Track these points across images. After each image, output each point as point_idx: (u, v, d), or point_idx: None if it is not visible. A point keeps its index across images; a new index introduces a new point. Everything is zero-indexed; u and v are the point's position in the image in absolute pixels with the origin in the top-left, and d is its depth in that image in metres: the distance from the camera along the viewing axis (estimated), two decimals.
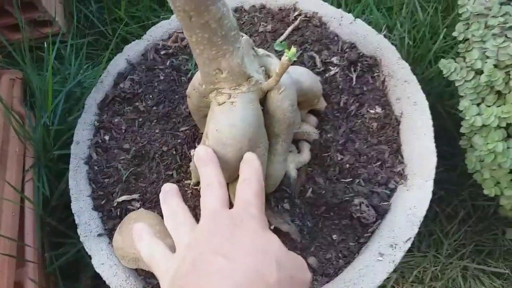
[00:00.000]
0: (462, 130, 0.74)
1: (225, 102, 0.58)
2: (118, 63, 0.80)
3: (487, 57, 0.70)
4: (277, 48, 0.74)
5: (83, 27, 1.18)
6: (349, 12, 1.11)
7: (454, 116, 0.97)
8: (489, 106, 0.70)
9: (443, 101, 1.01)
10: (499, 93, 0.70)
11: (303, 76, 0.67)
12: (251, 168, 0.50)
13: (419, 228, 0.95)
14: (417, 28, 1.08)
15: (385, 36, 1.04)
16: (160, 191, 0.69)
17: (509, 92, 0.68)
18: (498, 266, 0.90)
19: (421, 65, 1.05)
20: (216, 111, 0.58)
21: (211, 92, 0.59)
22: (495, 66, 0.69)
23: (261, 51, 0.62)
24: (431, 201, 0.96)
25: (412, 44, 1.06)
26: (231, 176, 0.60)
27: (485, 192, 0.73)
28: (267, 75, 0.61)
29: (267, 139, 0.63)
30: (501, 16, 0.73)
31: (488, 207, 0.94)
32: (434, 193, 0.95)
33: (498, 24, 0.71)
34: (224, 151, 0.57)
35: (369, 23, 1.09)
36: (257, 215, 0.43)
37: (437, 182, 0.96)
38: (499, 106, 0.68)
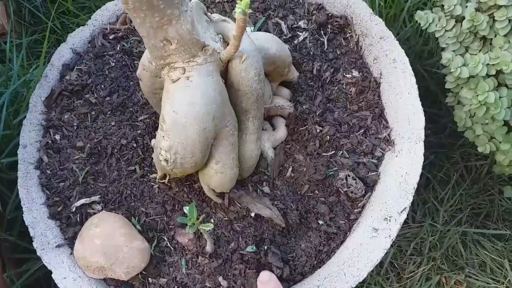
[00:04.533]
0: (447, 85, 0.68)
1: (179, 78, 0.50)
2: (63, 54, 0.72)
3: (468, 1, 0.64)
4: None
5: (30, 24, 1.08)
6: None
7: (436, 75, 0.91)
8: (474, 55, 0.63)
9: (422, 61, 0.95)
10: (484, 39, 0.64)
11: (268, 41, 0.59)
12: None
13: (414, 196, 0.90)
14: None
15: None
16: (123, 189, 0.62)
17: (495, 36, 0.62)
18: (498, 228, 0.85)
19: (395, 25, 0.98)
20: (171, 89, 0.51)
21: (163, 69, 0.51)
22: (477, 9, 0.63)
23: (216, 16, 0.55)
24: (423, 168, 0.91)
25: (383, 5, 0.99)
26: (197, 163, 0.53)
27: (479, 149, 0.67)
28: (226, 43, 0.54)
29: (235, 117, 0.56)
30: None
31: (481, 167, 0.88)
32: (424, 159, 0.91)
33: None
34: (184, 134, 0.49)
35: None
36: None
37: (425, 147, 0.91)
38: (485, 53, 0.62)
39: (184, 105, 0.49)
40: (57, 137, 0.66)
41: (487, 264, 0.84)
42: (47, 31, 0.91)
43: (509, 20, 0.60)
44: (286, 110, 0.65)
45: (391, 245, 0.86)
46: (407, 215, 0.88)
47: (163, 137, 0.51)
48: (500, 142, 0.65)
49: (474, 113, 0.65)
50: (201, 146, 0.51)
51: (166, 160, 0.52)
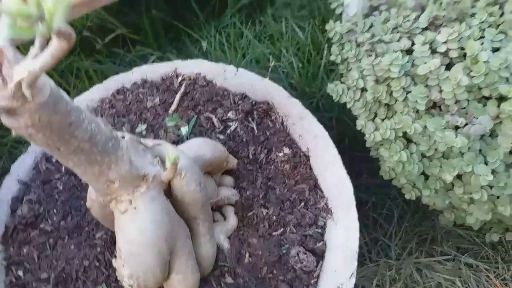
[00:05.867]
0: (367, 144, 0.77)
1: (127, 209, 0.55)
2: (10, 187, 0.74)
3: (367, 75, 0.73)
4: (169, 124, 0.73)
5: None
6: (235, 51, 1.13)
7: None
8: (382, 120, 0.73)
9: (346, 111, 1.04)
10: (387, 105, 0.73)
11: (202, 148, 0.65)
12: None
13: (365, 238, 0.98)
14: (302, 49, 1.11)
15: (274, 66, 1.07)
16: None
17: (395, 102, 0.71)
18: (443, 251, 0.94)
19: (316, 83, 1.08)
20: (121, 220, 0.55)
21: (111, 202, 0.56)
22: (376, 81, 0.72)
23: (150, 142, 0.60)
24: (368, 209, 1.00)
25: (301, 66, 1.09)
26: (159, 280, 0.57)
27: (406, 196, 0.76)
28: (164, 164, 0.59)
29: (186, 225, 0.61)
30: (367, 31, 0.77)
31: (418, 198, 0.98)
32: (366, 201, 1.00)
33: (367, 40, 0.75)
34: (141, 261, 0.54)
35: (256, 59, 1.12)
36: None
37: (365, 190, 0.99)
38: (391, 118, 0.72)
39: (136, 235, 0.54)
40: (20, 273, 0.68)
41: (442, 284, 0.93)
42: None
43: (403, 88, 0.70)
44: (233, 199, 0.71)
45: (356, 287, 0.94)
46: (364, 256, 0.96)
47: (123, 265, 0.55)
48: (422, 188, 0.74)
49: (394, 168, 0.74)
50: (159, 267, 0.55)
51: (131, 286, 0.55)
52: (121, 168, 0.52)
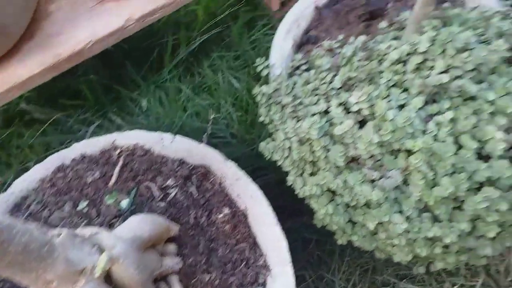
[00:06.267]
0: (299, 196, 0.83)
1: None
2: None
3: (291, 136, 0.80)
4: (109, 202, 0.76)
5: None
6: (176, 104, 1.17)
7: None
8: (310, 175, 0.79)
9: None
10: (312, 161, 0.80)
11: (140, 227, 0.69)
12: None
13: (312, 276, 1.04)
14: (239, 99, 1.17)
15: (214, 118, 1.12)
16: None
17: (317, 160, 0.78)
18: (383, 279, 1.02)
19: (256, 130, 1.14)
20: None
21: None
22: (299, 142, 0.79)
23: (87, 231, 0.63)
24: (312, 248, 1.06)
25: (239, 115, 1.14)
26: None
27: (338, 242, 0.82)
28: (102, 250, 0.62)
29: None
30: (290, 93, 0.84)
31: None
32: (310, 239, 1.06)
33: (290, 103, 0.81)
34: None
35: (196, 112, 1.16)
36: None
37: (307, 229, 1.06)
38: (316, 173, 0.78)
39: None
40: None
41: None
42: None
43: (324, 147, 0.76)
44: (176, 267, 0.75)
45: None
46: None
47: None
48: (350, 235, 0.80)
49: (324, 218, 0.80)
50: None
51: None
52: (58, 268, 0.55)
